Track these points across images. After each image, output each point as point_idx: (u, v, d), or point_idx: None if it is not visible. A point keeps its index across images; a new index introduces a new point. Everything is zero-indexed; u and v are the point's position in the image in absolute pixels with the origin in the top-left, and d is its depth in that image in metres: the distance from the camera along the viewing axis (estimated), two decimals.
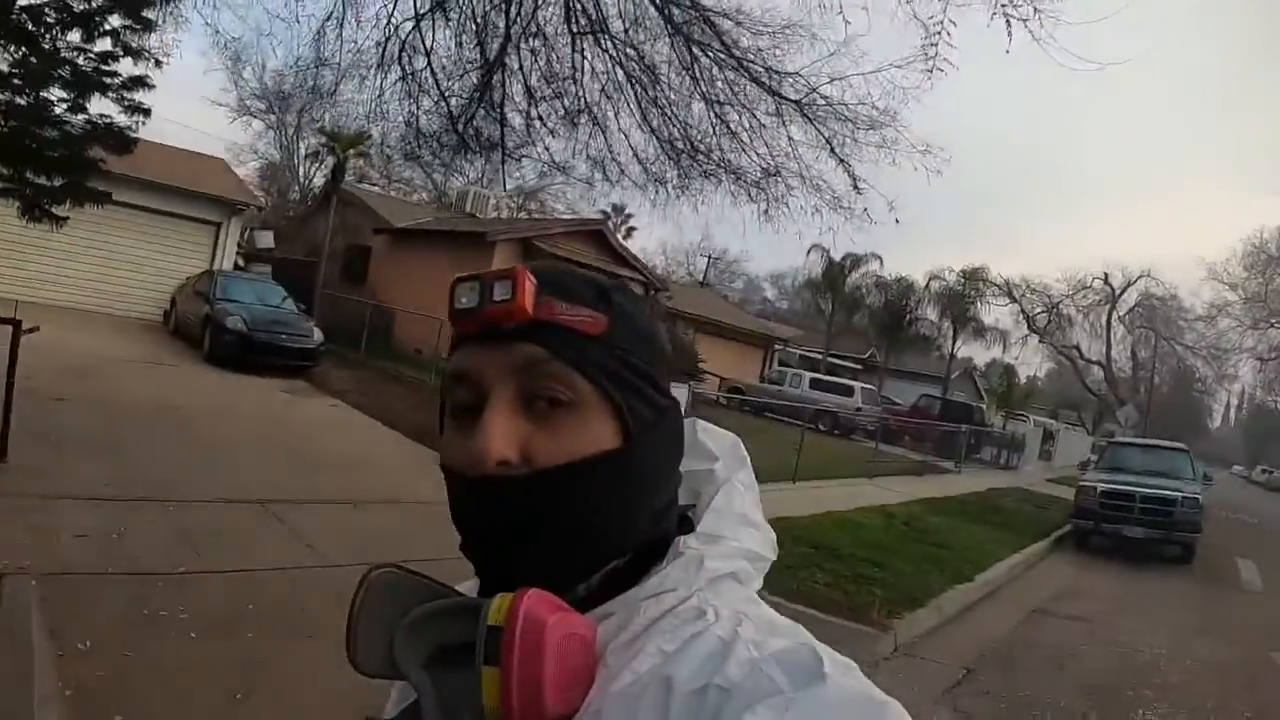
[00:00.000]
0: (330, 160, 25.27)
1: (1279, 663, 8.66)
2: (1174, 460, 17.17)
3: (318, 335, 16.98)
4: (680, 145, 9.54)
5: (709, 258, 60.79)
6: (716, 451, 0.91)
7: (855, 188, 9.26)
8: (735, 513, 0.86)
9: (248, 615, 5.43)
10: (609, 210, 39.26)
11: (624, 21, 8.90)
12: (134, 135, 9.27)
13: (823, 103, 8.98)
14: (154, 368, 14.28)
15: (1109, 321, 49.36)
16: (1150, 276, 48.51)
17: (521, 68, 9.14)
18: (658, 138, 9.50)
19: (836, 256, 40.31)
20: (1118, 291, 48.69)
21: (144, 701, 4.16)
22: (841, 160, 9.13)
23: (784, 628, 0.72)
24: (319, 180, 35.61)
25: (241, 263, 22.85)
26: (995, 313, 54.03)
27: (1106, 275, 48.64)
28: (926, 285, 45.07)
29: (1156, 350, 48.96)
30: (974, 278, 45.43)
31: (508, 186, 34.90)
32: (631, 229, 51.06)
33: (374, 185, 35.70)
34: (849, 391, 30.66)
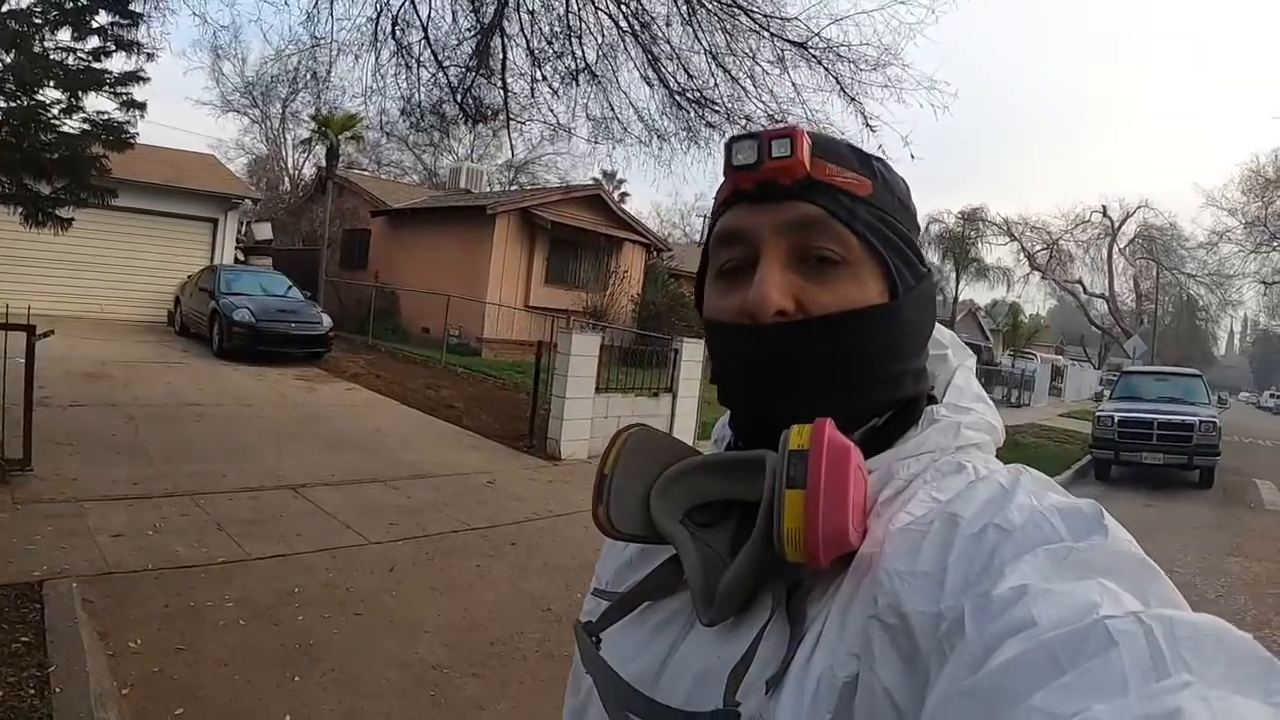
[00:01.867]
0: (321, 147, 25.10)
1: None
2: (1188, 386, 17.13)
3: (326, 321, 16.85)
4: (690, 95, 9.47)
5: (704, 218, 60.32)
6: (945, 341, 0.92)
7: (867, 125, 9.18)
8: (974, 391, 0.88)
9: (294, 598, 5.48)
10: (600, 178, 38.99)
11: None
12: (133, 131, 9.19)
13: (824, 46, 8.90)
14: (165, 367, 14.24)
15: (1110, 254, 49.13)
16: (1148, 207, 48.26)
17: (522, 29, 9.06)
18: (666, 87, 9.43)
19: None
20: (1117, 224, 48.43)
21: (202, 692, 4.18)
22: (853, 99, 9.06)
23: (1060, 489, 0.72)
24: (309, 170, 35.47)
25: (242, 256, 22.69)
26: (996, 252, 53.83)
27: (1105, 208, 48.39)
28: (926, 228, 44.94)
29: (1159, 280, 48.72)
30: (973, 219, 45.33)
31: (515, 152, 34.74)
32: (625, 195, 50.79)
33: (364, 171, 35.56)
34: None
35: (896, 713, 0.60)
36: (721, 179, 0.85)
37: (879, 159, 0.85)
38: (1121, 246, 49.62)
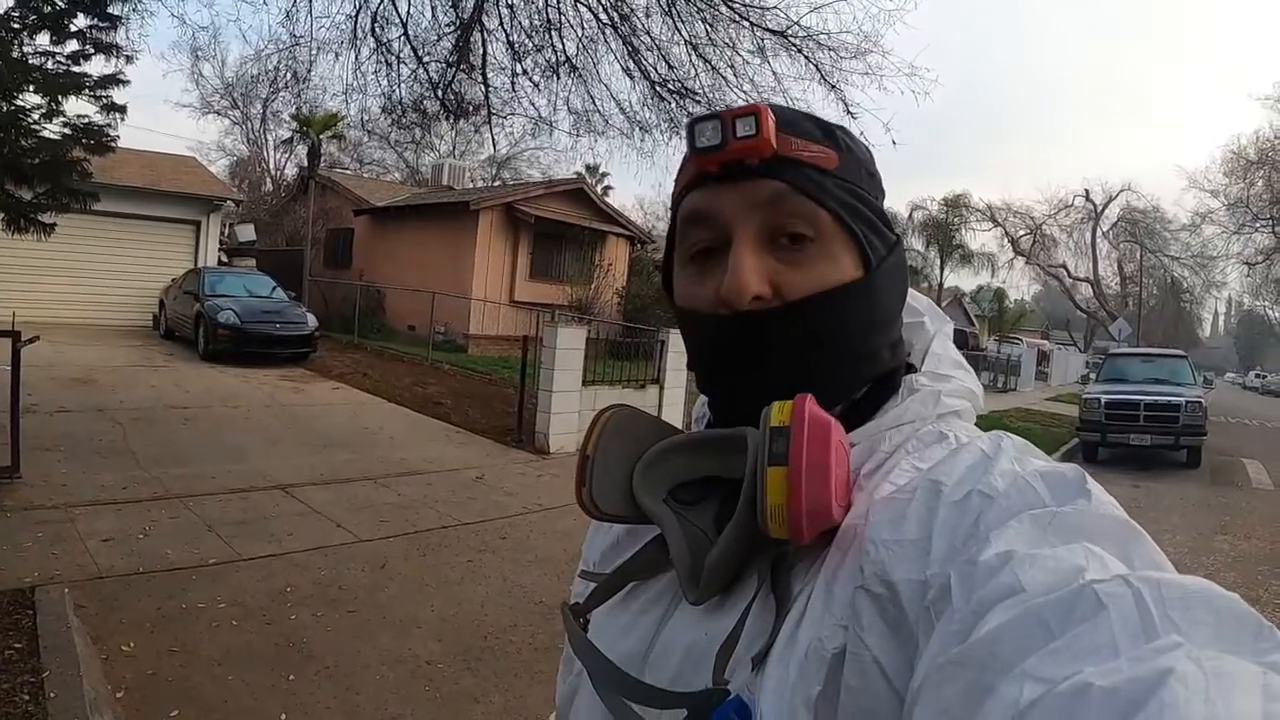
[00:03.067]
0: (302, 147, 25.02)
1: None
2: (1173, 367, 17.21)
3: (312, 322, 16.80)
4: (671, 86, 9.48)
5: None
6: (921, 309, 0.91)
7: (848, 112, 9.21)
8: (951, 358, 0.88)
9: (286, 597, 5.47)
10: (583, 172, 38.97)
11: None
12: (113, 134, 9.13)
13: (804, 34, 8.91)
14: (151, 371, 14.17)
15: (1093, 238, 49.39)
16: (1131, 190, 48.59)
17: (502, 24, 9.05)
18: (647, 78, 9.43)
19: None
20: (1100, 208, 48.73)
21: (196, 694, 4.18)
22: (833, 87, 9.07)
23: (1041, 454, 0.72)
24: (291, 170, 35.33)
25: (225, 258, 22.59)
26: (980, 238, 53.90)
27: (1088, 192, 48.66)
28: (910, 216, 45.15)
29: (1143, 263, 48.93)
30: (956, 205, 45.45)
31: (497, 147, 34.65)
32: (608, 188, 50.71)
33: (346, 170, 35.43)
34: None
35: (885, 681, 0.60)
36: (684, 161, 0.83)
37: (842, 128, 0.84)
38: (1105, 230, 49.96)
